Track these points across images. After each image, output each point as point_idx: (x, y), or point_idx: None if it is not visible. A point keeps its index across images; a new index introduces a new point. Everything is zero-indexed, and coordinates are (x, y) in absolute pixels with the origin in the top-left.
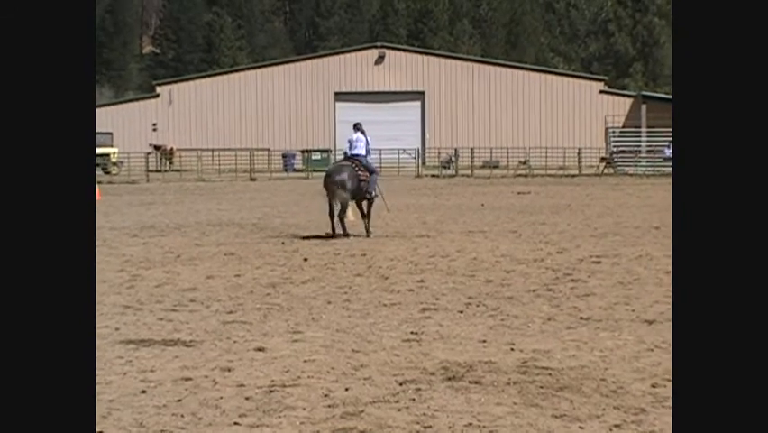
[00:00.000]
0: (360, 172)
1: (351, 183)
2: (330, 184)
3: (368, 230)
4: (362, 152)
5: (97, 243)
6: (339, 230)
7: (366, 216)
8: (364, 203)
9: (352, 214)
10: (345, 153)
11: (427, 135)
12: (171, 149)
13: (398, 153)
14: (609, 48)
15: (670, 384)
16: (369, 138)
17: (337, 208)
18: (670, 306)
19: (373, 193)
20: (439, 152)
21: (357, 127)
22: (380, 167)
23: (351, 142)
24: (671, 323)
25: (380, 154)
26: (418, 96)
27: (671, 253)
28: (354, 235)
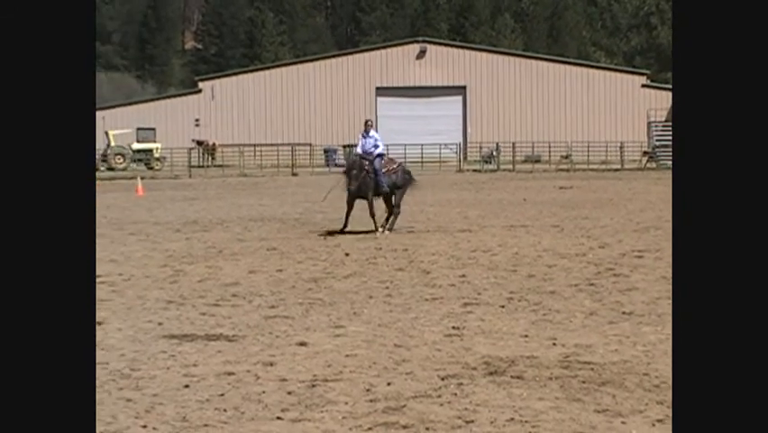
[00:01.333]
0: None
1: None
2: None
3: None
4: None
5: (141, 238)
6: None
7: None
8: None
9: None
10: (356, 153)
11: (469, 130)
12: (213, 144)
13: (440, 148)
14: (652, 41)
15: None
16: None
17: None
18: None
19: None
20: (481, 147)
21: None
22: (422, 161)
23: (365, 139)
24: None
25: (422, 149)
26: (460, 90)
27: None
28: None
